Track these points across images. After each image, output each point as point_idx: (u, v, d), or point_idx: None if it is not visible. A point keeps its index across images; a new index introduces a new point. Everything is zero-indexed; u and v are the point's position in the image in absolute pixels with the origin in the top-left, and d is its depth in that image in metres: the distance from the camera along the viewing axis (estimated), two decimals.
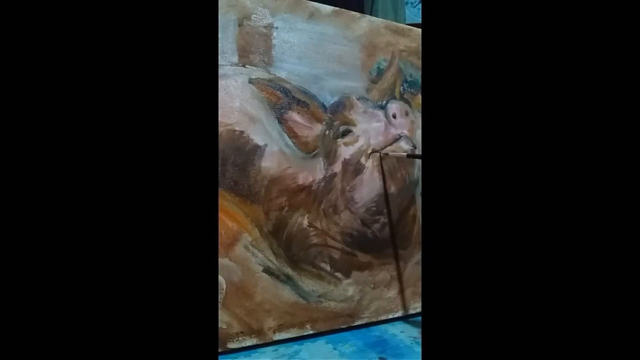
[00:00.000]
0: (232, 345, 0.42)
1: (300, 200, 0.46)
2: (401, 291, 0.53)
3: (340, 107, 0.48)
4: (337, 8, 0.48)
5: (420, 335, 0.47)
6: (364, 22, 0.50)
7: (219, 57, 0.41)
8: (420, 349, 0.43)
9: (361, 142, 0.49)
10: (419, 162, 0.53)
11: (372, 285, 0.51)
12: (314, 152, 0.46)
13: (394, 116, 0.52)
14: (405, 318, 0.53)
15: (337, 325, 0.48)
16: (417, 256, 0.54)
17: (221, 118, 0.41)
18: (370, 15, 0.76)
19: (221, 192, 0.41)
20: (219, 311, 0.41)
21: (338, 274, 0.48)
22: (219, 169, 0.41)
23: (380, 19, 0.53)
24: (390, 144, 0.51)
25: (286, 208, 0.45)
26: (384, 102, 0.51)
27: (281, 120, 0.44)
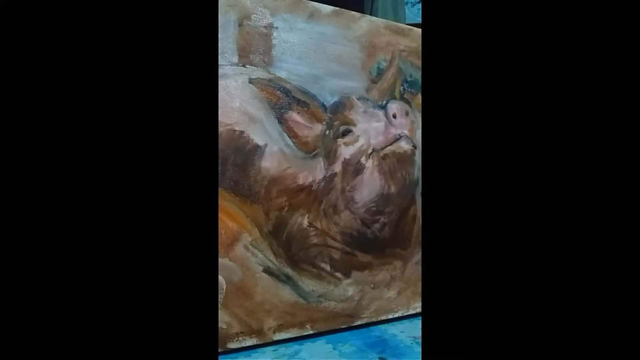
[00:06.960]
0: (232, 345, 0.42)
1: (300, 200, 0.46)
2: (401, 291, 0.53)
3: (340, 107, 0.48)
4: (337, 8, 0.48)
5: (420, 335, 0.47)
6: (364, 22, 0.50)
7: (219, 57, 0.41)
8: (420, 349, 0.43)
9: (361, 142, 0.49)
10: (419, 162, 0.53)
11: (372, 285, 0.51)
12: (314, 152, 0.46)
13: (394, 116, 0.52)
14: (405, 318, 0.53)
15: (337, 325, 0.48)
16: (417, 256, 0.54)
17: (221, 118, 0.41)
18: (370, 15, 0.76)
19: (221, 192, 0.41)
20: (219, 311, 0.41)
21: (338, 274, 0.48)
22: (219, 169, 0.41)
23: (380, 19, 0.53)
24: (391, 144, 0.51)
25: (286, 208, 0.45)
26: (384, 102, 0.51)
27: (281, 120, 0.44)
